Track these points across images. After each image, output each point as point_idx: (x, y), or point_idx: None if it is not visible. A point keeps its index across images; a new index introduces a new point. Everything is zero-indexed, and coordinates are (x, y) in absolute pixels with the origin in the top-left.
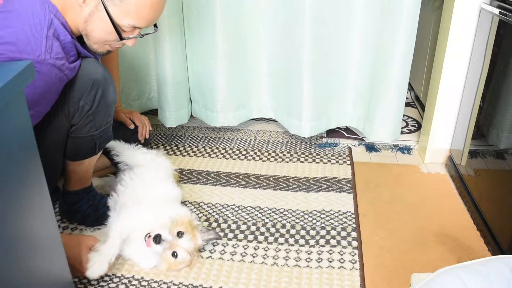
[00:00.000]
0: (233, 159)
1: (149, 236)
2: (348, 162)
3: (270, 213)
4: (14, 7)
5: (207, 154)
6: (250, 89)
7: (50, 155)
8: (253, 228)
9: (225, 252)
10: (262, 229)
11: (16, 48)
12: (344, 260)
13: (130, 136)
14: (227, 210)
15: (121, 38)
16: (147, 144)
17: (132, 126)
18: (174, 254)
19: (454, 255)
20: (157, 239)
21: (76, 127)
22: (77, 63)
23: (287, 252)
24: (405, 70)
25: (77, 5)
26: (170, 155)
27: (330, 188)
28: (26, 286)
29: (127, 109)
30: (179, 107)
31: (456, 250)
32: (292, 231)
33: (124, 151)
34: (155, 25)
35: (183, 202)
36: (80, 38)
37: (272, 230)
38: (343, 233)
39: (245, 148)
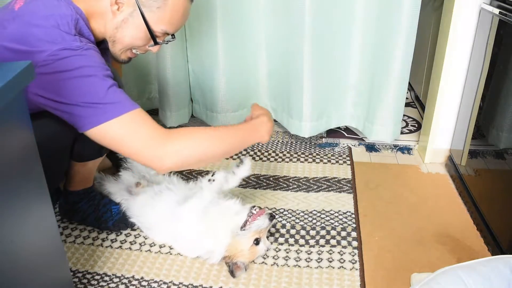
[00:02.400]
0: (233, 159)
1: (259, 210)
2: (348, 162)
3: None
4: (38, 8)
5: None
6: (251, 89)
7: (58, 156)
8: None
9: None
10: None
11: (56, 45)
12: (344, 260)
13: None
14: None
15: (156, 43)
16: None
17: None
18: (257, 241)
19: (454, 255)
20: (272, 218)
21: None
22: None
23: (287, 252)
24: (405, 70)
25: (110, 12)
26: None
27: (330, 188)
28: (26, 287)
29: None
30: (180, 107)
31: (456, 250)
32: (292, 231)
33: (135, 164)
34: (172, 35)
35: None
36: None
37: (272, 230)
38: (343, 233)
39: (245, 148)
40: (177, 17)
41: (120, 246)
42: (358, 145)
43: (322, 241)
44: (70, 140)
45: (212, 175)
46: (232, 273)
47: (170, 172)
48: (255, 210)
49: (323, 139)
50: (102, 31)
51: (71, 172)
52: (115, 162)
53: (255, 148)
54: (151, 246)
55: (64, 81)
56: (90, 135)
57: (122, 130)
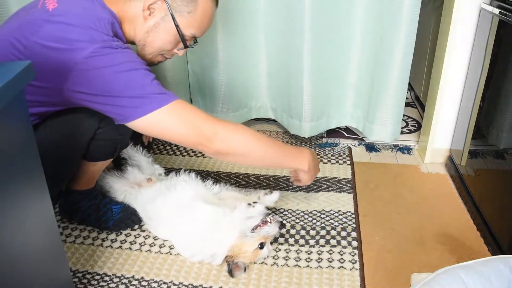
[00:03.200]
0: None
1: (271, 217)
2: (348, 162)
3: (270, 213)
4: (75, 9)
5: None
6: (250, 89)
7: (74, 154)
8: None
9: None
10: None
11: (96, 44)
12: (344, 260)
13: (134, 138)
14: None
15: (186, 46)
16: (150, 147)
17: None
18: (261, 245)
19: (454, 255)
20: (282, 227)
21: (103, 130)
22: None
23: (287, 252)
24: (405, 70)
25: (142, 17)
26: (170, 155)
27: (330, 188)
28: (27, 287)
29: None
30: None
31: (456, 250)
32: (292, 231)
33: (142, 162)
34: (195, 39)
35: None
36: None
37: None
38: (343, 233)
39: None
40: (205, 21)
41: (120, 246)
42: (358, 145)
43: (322, 241)
44: (88, 139)
45: (253, 202)
46: (230, 272)
47: (186, 170)
48: (269, 218)
49: (323, 139)
50: (132, 35)
51: (79, 171)
52: (117, 163)
53: None
54: (151, 246)
55: (110, 75)
56: (134, 125)
57: (172, 116)
